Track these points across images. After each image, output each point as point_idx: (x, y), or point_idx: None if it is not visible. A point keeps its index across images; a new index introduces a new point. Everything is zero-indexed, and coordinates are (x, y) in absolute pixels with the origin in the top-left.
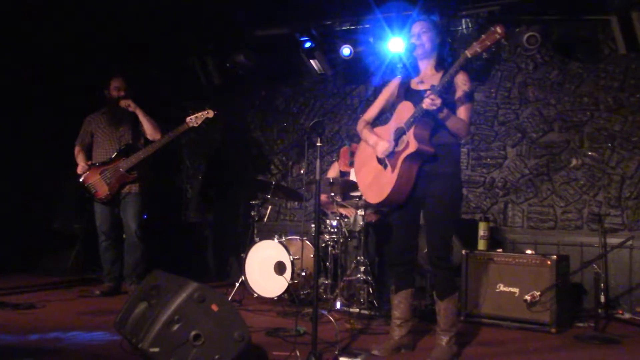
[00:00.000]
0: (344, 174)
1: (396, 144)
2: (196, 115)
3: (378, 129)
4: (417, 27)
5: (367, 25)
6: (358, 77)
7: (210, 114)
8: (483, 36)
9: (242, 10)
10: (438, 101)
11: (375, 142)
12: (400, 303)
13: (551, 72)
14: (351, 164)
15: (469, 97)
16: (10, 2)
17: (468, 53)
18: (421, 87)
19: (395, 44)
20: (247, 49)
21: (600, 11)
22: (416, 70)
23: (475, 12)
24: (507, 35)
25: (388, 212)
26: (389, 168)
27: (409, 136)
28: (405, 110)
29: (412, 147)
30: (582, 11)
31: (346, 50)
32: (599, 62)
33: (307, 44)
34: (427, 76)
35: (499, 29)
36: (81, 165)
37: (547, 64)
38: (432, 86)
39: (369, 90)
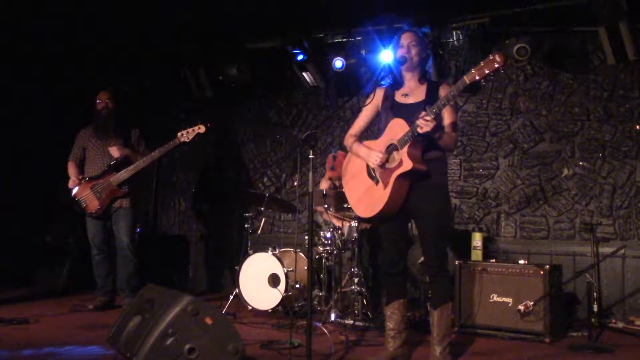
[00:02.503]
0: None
1: (387, 160)
2: (187, 130)
3: (368, 143)
4: (406, 39)
5: (359, 38)
6: (350, 89)
7: (201, 129)
8: (482, 63)
9: (234, 23)
10: (433, 124)
11: (367, 154)
12: (392, 314)
13: (542, 83)
14: (332, 168)
15: (455, 112)
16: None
17: (467, 79)
18: (407, 101)
19: (387, 56)
20: (239, 61)
21: (589, 23)
22: (399, 83)
23: (466, 24)
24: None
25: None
26: (380, 184)
27: (403, 155)
28: (397, 127)
29: (407, 166)
30: (572, 23)
31: (338, 63)
32: (588, 72)
33: (299, 57)
34: (412, 88)
35: (498, 58)
36: (72, 179)
37: (538, 74)
38: (426, 108)
39: (362, 101)
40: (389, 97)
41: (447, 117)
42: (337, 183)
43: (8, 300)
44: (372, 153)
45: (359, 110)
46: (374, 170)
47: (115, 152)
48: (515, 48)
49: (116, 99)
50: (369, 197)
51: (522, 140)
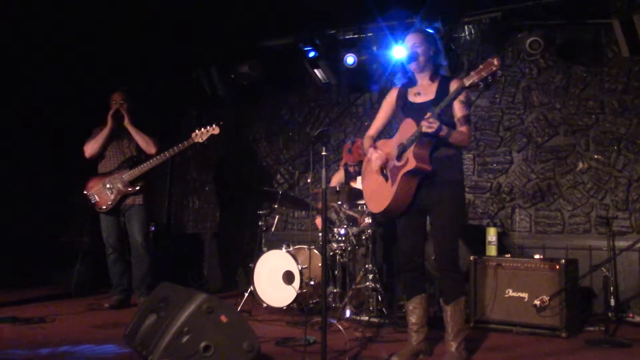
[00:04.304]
0: (349, 175)
1: (399, 159)
2: (202, 131)
3: (381, 142)
4: (411, 40)
5: (370, 34)
6: (362, 86)
7: (216, 130)
8: (480, 66)
9: (245, 22)
10: (436, 124)
11: (371, 155)
12: (415, 309)
13: (555, 77)
14: (349, 151)
15: (467, 106)
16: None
17: (466, 82)
18: (419, 100)
19: (399, 52)
20: (251, 59)
21: (602, 15)
22: (413, 81)
23: (478, 18)
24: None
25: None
26: (389, 181)
27: (409, 154)
28: (408, 127)
29: (411, 164)
30: (585, 15)
31: (350, 59)
32: (602, 65)
33: (311, 54)
34: (424, 87)
35: (495, 61)
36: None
37: (551, 68)
38: (432, 110)
39: (374, 98)
40: (402, 97)
41: (458, 112)
42: (352, 168)
43: (25, 299)
44: (373, 155)
45: (371, 106)
46: (386, 168)
47: (129, 126)
48: (528, 42)
49: (129, 100)
50: (379, 193)
51: (536, 134)
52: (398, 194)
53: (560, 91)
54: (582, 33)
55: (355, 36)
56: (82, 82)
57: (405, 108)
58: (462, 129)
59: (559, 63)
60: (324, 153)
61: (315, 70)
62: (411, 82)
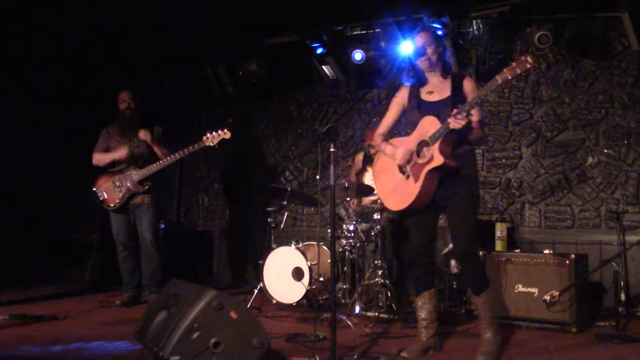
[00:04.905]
0: (369, 157)
1: (418, 156)
2: (213, 134)
3: (396, 140)
4: (421, 40)
5: (378, 30)
6: (370, 82)
7: (227, 134)
8: (514, 63)
9: (253, 18)
10: (464, 121)
11: (392, 151)
12: (424, 304)
13: (564, 71)
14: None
15: (482, 111)
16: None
17: (499, 79)
18: (433, 98)
19: (406, 47)
20: (259, 56)
21: (611, 8)
22: (423, 80)
23: (486, 13)
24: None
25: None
26: (411, 178)
27: (434, 150)
28: (428, 124)
29: (438, 161)
30: (594, 9)
31: (358, 55)
32: (612, 59)
33: (319, 50)
34: (436, 85)
35: (529, 59)
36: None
37: (560, 62)
38: (460, 106)
39: (382, 94)
40: (414, 96)
41: (474, 115)
42: (373, 150)
43: (37, 297)
44: (397, 151)
45: (380, 102)
46: (404, 165)
47: (143, 134)
48: (537, 36)
49: (138, 98)
50: (399, 191)
51: (545, 129)
52: (422, 191)
53: (569, 85)
54: (591, 27)
55: (363, 32)
56: (91, 82)
57: (419, 107)
58: (479, 130)
59: (568, 57)
60: (332, 149)
61: (323, 67)
62: (421, 81)
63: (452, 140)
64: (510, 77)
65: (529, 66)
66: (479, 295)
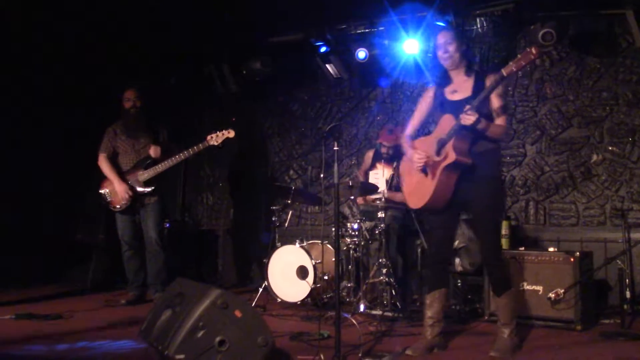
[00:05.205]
0: (379, 155)
1: (439, 154)
2: (217, 134)
3: (419, 140)
4: (442, 38)
5: (382, 28)
6: (374, 80)
7: (231, 133)
8: (519, 56)
9: (256, 17)
10: (474, 117)
11: (410, 154)
12: (433, 302)
13: (568, 68)
14: (390, 132)
15: (504, 96)
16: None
17: (504, 72)
18: (456, 97)
19: (410, 46)
20: (263, 55)
21: (616, 5)
22: (448, 79)
23: (490, 10)
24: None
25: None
26: (429, 175)
27: (449, 147)
28: (446, 122)
29: (451, 158)
30: (598, 5)
31: (361, 54)
32: (616, 56)
33: (323, 49)
34: (460, 83)
35: (534, 50)
36: (119, 186)
37: (564, 59)
38: (471, 103)
39: (385, 92)
40: (438, 95)
41: (494, 102)
42: (385, 149)
43: (42, 296)
44: (414, 153)
45: (383, 101)
46: (426, 164)
47: (154, 151)
48: (541, 33)
49: (143, 97)
50: (419, 189)
51: (549, 126)
52: (438, 188)
53: (573, 83)
54: (596, 24)
55: (367, 30)
56: (93, 82)
57: (442, 106)
58: (499, 120)
59: (572, 54)
60: (336, 148)
61: (327, 65)
62: (446, 80)
63: (467, 137)
64: (515, 70)
65: (532, 57)
66: (500, 297)
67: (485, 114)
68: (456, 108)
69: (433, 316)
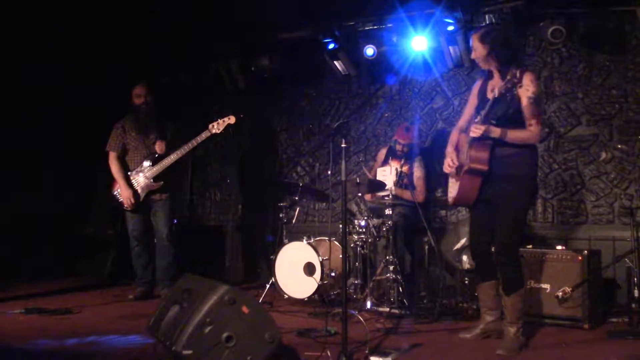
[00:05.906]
0: (393, 152)
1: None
2: (218, 121)
3: (464, 135)
4: (473, 39)
5: (390, 25)
6: (382, 77)
7: (232, 119)
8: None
9: (265, 14)
10: (480, 130)
11: (446, 154)
12: (480, 293)
13: (577, 66)
14: (406, 130)
15: (535, 98)
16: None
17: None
18: (490, 96)
19: (418, 42)
20: (271, 52)
21: (626, 2)
22: (491, 75)
23: (499, 7)
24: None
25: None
26: (460, 175)
27: (469, 154)
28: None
29: (468, 164)
30: (608, 3)
31: (370, 50)
32: (626, 53)
33: (331, 45)
34: (496, 83)
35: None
36: (125, 192)
37: (573, 57)
38: (480, 113)
39: (394, 89)
40: (481, 91)
41: (524, 102)
42: (399, 146)
43: (52, 291)
44: (447, 159)
45: (391, 97)
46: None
47: (159, 147)
48: (550, 30)
49: (152, 93)
50: (453, 185)
51: (558, 124)
52: (461, 190)
53: (582, 80)
54: (605, 21)
55: (375, 27)
56: (102, 78)
57: (479, 103)
58: (529, 122)
59: (581, 52)
60: (343, 145)
61: (335, 62)
62: (489, 75)
63: (484, 145)
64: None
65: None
66: (508, 296)
67: (511, 117)
68: (486, 107)
69: (484, 305)
